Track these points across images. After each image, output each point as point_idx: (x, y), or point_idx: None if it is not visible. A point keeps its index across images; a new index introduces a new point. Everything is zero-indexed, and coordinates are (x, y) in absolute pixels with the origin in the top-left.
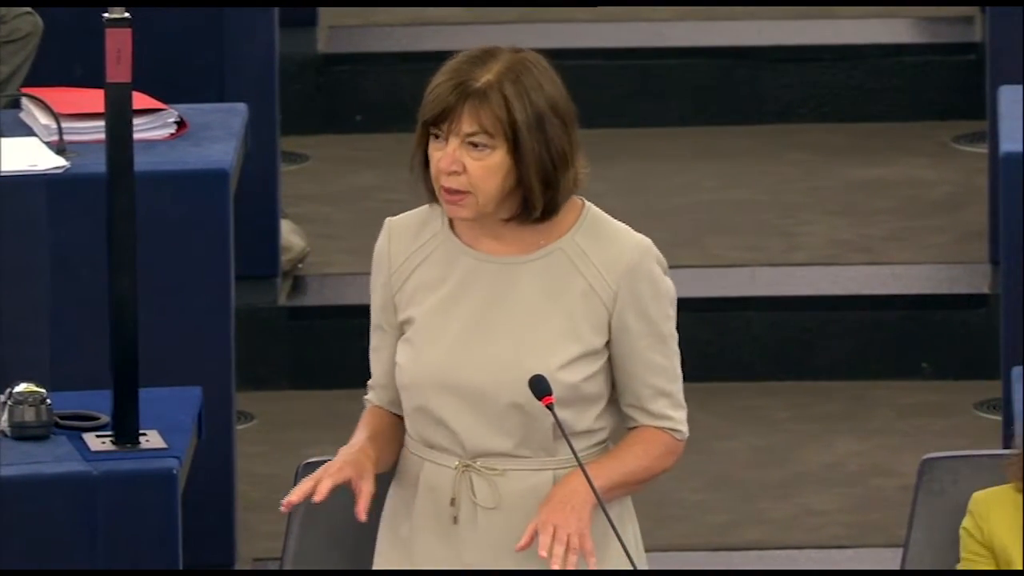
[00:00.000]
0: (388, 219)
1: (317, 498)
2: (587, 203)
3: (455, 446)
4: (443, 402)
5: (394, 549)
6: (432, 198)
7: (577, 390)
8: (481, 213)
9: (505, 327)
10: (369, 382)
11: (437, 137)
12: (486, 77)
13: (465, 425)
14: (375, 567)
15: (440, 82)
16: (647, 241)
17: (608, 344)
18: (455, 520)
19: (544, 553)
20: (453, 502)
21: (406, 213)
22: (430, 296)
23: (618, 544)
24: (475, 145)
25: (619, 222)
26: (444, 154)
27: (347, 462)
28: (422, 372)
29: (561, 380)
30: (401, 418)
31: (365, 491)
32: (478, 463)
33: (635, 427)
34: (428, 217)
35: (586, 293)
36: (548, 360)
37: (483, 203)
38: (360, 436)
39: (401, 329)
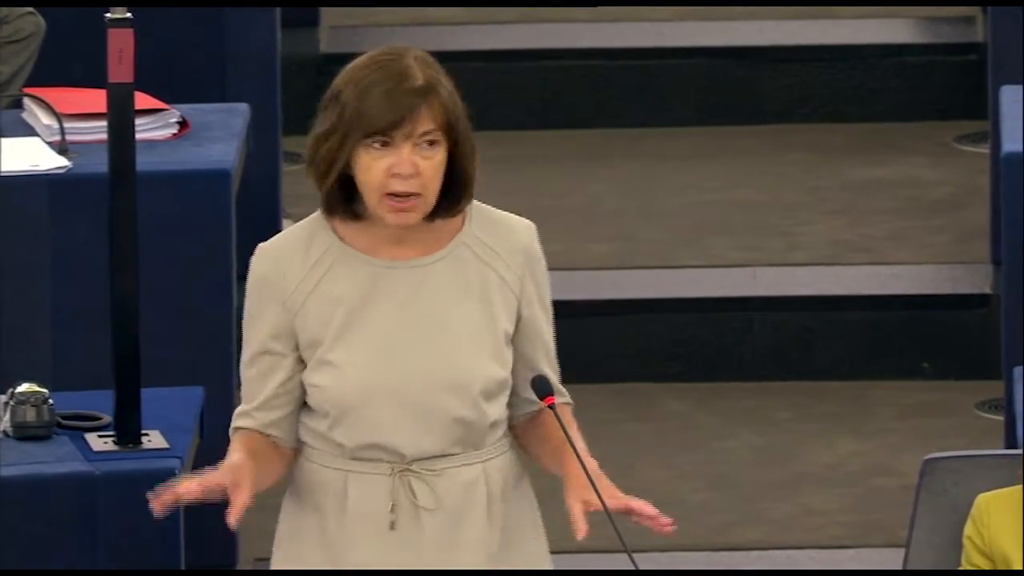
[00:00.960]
0: (261, 245)
1: (186, 496)
2: None
3: (388, 455)
4: (376, 412)
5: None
6: (344, 214)
7: (504, 383)
8: (423, 214)
9: (429, 328)
10: (240, 409)
11: (383, 145)
12: (420, 74)
13: (402, 431)
14: None
15: (385, 89)
16: (532, 223)
17: (515, 330)
18: (392, 526)
19: (652, 512)
20: (393, 508)
21: (278, 236)
22: (339, 311)
23: (536, 534)
24: (429, 144)
25: (496, 209)
26: (400, 159)
27: (227, 467)
28: (351, 386)
29: (494, 375)
30: (272, 440)
31: (239, 501)
32: (414, 466)
33: (538, 410)
34: (312, 233)
35: (499, 284)
36: (481, 355)
37: (428, 203)
38: (238, 453)
39: (305, 353)
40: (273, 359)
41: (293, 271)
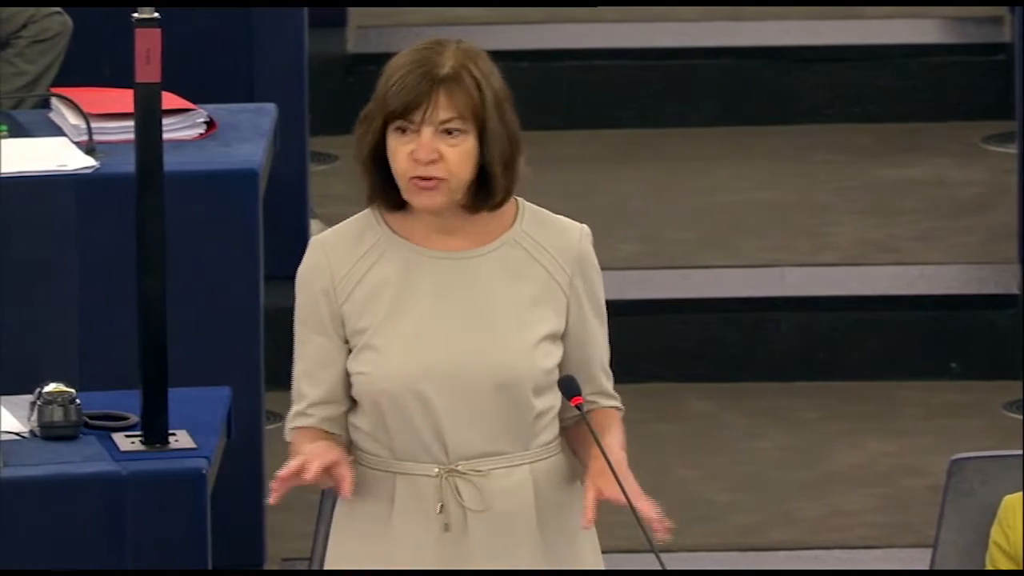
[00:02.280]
0: (314, 238)
1: (308, 477)
2: (518, 197)
3: (435, 449)
4: (423, 400)
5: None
6: (385, 202)
7: (551, 375)
8: (451, 201)
9: (476, 317)
10: (295, 409)
11: (404, 131)
12: (450, 63)
13: (447, 420)
14: None
15: (404, 74)
16: (586, 226)
17: (565, 331)
18: (446, 528)
19: (650, 513)
20: (442, 509)
21: (332, 228)
22: (386, 299)
23: (589, 538)
24: (450, 132)
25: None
26: (419, 145)
27: (326, 447)
28: (394, 371)
29: (540, 367)
30: (334, 436)
31: (348, 475)
32: (460, 466)
33: (590, 410)
34: (363, 227)
35: (548, 280)
36: (528, 347)
37: (454, 189)
38: (317, 442)
39: (352, 340)
40: (327, 351)
41: (343, 260)
